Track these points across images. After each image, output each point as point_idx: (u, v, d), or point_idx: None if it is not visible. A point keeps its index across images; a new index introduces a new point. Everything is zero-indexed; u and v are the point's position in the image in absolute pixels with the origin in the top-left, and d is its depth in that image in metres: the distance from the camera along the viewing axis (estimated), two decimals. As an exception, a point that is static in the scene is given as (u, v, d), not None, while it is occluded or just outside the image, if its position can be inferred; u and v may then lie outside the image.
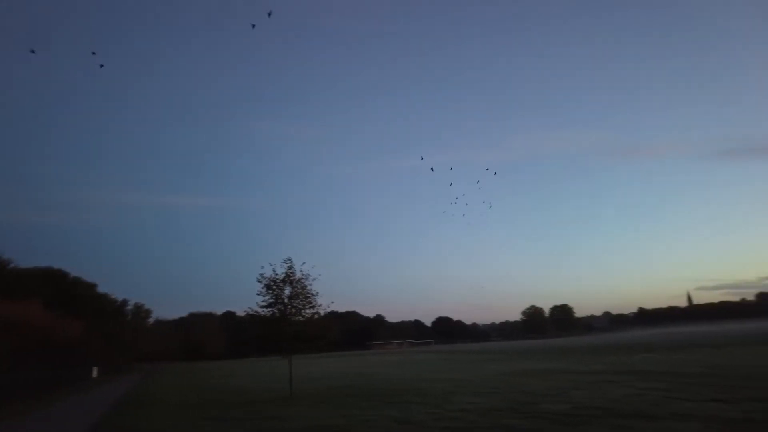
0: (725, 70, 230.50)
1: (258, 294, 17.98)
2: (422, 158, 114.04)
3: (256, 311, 18.12)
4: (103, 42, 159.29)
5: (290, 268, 18.02)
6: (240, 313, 21.11)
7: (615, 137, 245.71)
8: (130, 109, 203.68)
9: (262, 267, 18.17)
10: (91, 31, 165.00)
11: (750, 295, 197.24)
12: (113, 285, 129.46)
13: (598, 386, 14.49)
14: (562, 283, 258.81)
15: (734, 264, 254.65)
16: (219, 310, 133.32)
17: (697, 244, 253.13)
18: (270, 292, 17.83)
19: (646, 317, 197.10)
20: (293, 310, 17.81)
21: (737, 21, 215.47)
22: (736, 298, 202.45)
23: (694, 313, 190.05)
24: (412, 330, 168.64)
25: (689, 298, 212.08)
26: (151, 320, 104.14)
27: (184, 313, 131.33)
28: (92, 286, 72.40)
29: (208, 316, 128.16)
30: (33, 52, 36.31)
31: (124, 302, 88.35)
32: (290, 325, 17.58)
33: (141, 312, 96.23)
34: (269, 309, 17.88)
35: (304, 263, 18.33)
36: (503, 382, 17.94)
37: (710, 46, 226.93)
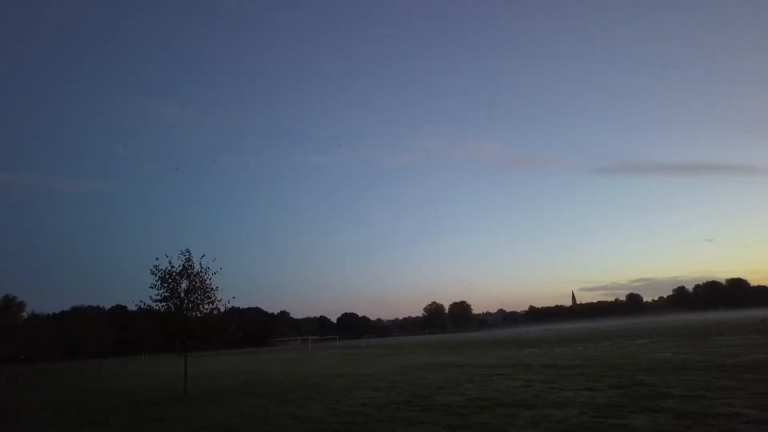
0: (605, 97, 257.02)
1: (152, 287, 16.83)
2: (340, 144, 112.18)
3: (149, 305, 16.94)
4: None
5: (188, 260, 17.07)
6: (131, 307, 19.69)
7: (512, 150, 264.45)
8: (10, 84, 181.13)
9: (157, 259, 17.05)
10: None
11: (622, 296, 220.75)
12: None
13: (489, 379, 15.40)
14: (461, 281, 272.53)
15: (610, 268, 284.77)
16: (107, 304, 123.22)
17: (580, 249, 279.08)
18: (165, 285, 16.76)
19: (535, 315, 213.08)
20: (190, 305, 16.90)
21: (618, 57, 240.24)
22: (611, 299, 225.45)
23: (577, 311, 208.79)
24: (317, 326, 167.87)
25: (573, 298, 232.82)
26: (25, 315, 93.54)
27: (66, 307, 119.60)
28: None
29: (94, 311, 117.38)
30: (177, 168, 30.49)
31: (-11, 293, 78.30)
32: (186, 321, 16.67)
33: (11, 305, 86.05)
34: (164, 303, 16.82)
35: (203, 256, 17.49)
36: (402, 376, 18.44)
37: (595, 74, 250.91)
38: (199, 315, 17.09)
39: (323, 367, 27.10)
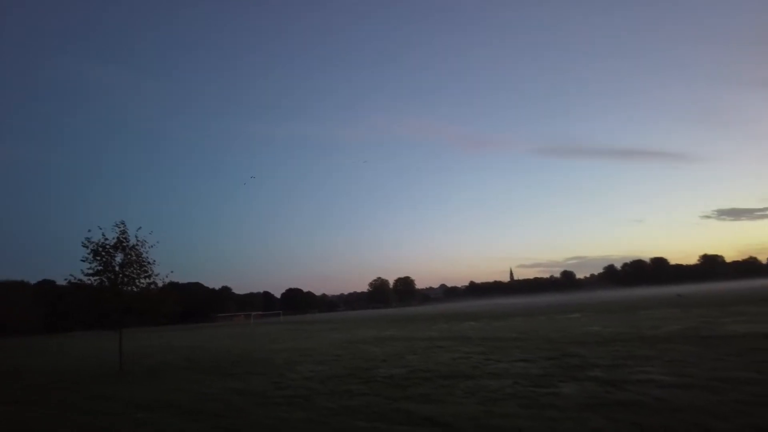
0: (550, 81, 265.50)
1: (83, 260, 16.01)
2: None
3: (80, 280, 16.11)
4: None
5: (123, 232, 16.32)
6: (61, 282, 18.55)
7: (459, 128, 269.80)
8: None
9: (89, 231, 16.18)
10: None
11: (557, 273, 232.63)
12: None
13: (430, 351, 15.87)
14: (406, 257, 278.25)
15: (547, 246, 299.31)
16: (33, 279, 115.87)
17: (519, 227, 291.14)
18: (98, 258, 15.97)
19: (476, 290, 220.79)
20: (125, 280, 16.23)
21: (564, 46, 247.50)
22: (547, 275, 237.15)
23: (514, 287, 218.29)
24: (261, 302, 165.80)
25: (511, 274, 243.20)
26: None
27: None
28: None
29: (19, 286, 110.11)
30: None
31: None
32: (121, 296, 16.01)
33: None
34: (96, 278, 16.05)
35: (139, 228, 16.77)
36: (346, 349, 18.65)
37: (542, 58, 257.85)
38: (135, 290, 16.48)
39: (267, 342, 26.93)
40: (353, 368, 12.91)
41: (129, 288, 16.37)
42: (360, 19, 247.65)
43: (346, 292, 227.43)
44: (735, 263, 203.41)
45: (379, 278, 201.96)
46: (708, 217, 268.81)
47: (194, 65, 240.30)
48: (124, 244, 16.35)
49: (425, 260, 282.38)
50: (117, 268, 16.21)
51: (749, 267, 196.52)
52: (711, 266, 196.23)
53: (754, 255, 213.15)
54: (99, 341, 42.02)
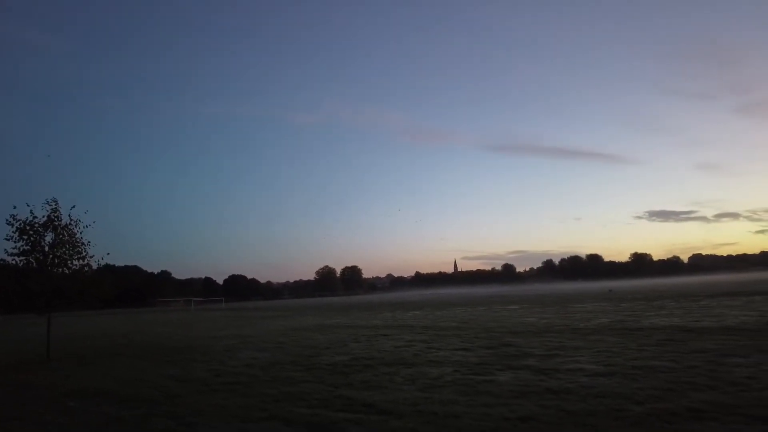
0: (504, 83, 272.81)
1: (7, 239, 14.92)
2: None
3: (3, 260, 15.05)
4: None
5: (54, 210, 15.33)
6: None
7: (414, 121, 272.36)
8: None
9: (15, 207, 15.09)
10: None
11: (499, 265, 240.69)
12: None
13: (374, 339, 16.07)
14: (354, 246, 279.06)
15: (490, 239, 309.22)
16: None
17: (465, 220, 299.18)
18: (24, 237, 14.95)
19: (421, 280, 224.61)
20: (56, 261, 15.30)
21: (520, 51, 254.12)
22: (489, 267, 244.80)
23: (458, 278, 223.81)
24: (202, 287, 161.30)
25: (455, 266, 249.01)
26: None
27: None
28: None
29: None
30: None
31: None
32: (51, 278, 15.11)
33: None
34: (23, 258, 15.03)
35: (73, 207, 15.82)
36: (289, 337, 18.55)
37: (495, 61, 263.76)
38: (67, 272, 15.59)
39: (207, 329, 26.29)
40: (296, 355, 12.89)
41: (60, 270, 15.46)
42: (322, 6, 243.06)
43: (291, 280, 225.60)
44: (661, 261, 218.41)
45: (326, 266, 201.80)
46: (640, 217, 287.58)
47: (138, 38, 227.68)
48: (56, 223, 15.37)
49: (372, 250, 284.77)
50: (47, 249, 15.26)
51: (673, 265, 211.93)
52: (640, 264, 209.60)
53: (677, 254, 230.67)
54: (23, 326, 39.49)
